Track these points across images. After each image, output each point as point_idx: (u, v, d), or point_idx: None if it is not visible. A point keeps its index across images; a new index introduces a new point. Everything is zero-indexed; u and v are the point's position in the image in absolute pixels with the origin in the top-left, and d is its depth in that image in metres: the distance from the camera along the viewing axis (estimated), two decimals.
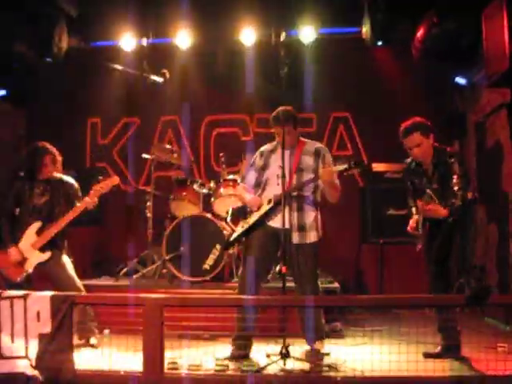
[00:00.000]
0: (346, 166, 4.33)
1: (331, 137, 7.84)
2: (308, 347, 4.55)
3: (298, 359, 4.18)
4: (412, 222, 4.58)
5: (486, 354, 4.04)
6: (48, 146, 5.01)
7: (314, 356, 4.40)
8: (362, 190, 7.44)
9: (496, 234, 6.21)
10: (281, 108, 4.64)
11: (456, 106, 7.40)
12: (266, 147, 4.86)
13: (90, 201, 4.83)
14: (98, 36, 7.63)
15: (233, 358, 4.45)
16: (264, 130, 7.21)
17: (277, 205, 4.46)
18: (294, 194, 4.55)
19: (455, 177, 4.15)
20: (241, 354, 4.52)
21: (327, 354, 4.49)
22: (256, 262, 4.60)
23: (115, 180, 5.00)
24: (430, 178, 4.54)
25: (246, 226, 4.65)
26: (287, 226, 4.37)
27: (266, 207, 4.57)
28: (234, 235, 4.80)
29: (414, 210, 4.62)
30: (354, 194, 7.30)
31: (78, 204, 4.88)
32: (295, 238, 4.52)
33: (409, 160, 4.75)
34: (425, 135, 4.51)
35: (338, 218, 7.16)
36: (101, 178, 4.95)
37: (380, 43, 6.72)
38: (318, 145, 4.82)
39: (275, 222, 4.55)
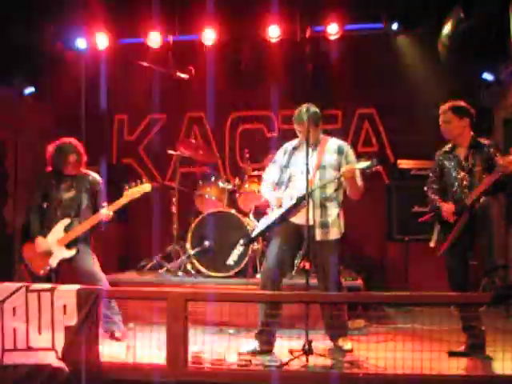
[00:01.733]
0: (368, 163, 4.33)
1: (356, 133, 7.81)
2: (331, 344, 4.56)
3: (320, 355, 4.18)
4: (448, 208, 4.50)
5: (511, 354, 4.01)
6: (75, 144, 5.07)
7: (337, 353, 4.42)
8: (388, 186, 7.38)
9: None
10: (303, 106, 4.65)
11: (483, 101, 7.29)
12: (288, 145, 4.86)
13: (120, 204, 4.91)
14: (126, 33, 7.69)
15: (256, 352, 4.49)
16: (289, 127, 7.15)
17: (299, 202, 4.45)
18: (317, 191, 4.55)
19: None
20: (264, 349, 4.55)
21: (350, 351, 4.49)
22: (278, 258, 4.63)
23: (147, 187, 5.03)
24: (462, 164, 4.53)
25: (268, 221, 4.65)
26: (311, 222, 4.37)
27: (288, 203, 4.57)
28: (256, 231, 4.80)
29: (446, 196, 4.58)
30: (380, 191, 7.26)
31: (102, 201, 4.98)
32: (318, 234, 4.54)
33: (440, 150, 4.75)
34: (457, 116, 4.56)
35: (364, 216, 7.14)
36: (133, 183, 4.99)
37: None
38: (341, 142, 4.81)
39: (298, 219, 4.55)
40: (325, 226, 4.58)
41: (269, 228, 4.67)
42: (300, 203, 4.44)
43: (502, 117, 7.00)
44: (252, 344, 4.60)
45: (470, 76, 7.18)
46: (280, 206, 4.63)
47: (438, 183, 4.71)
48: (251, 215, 6.37)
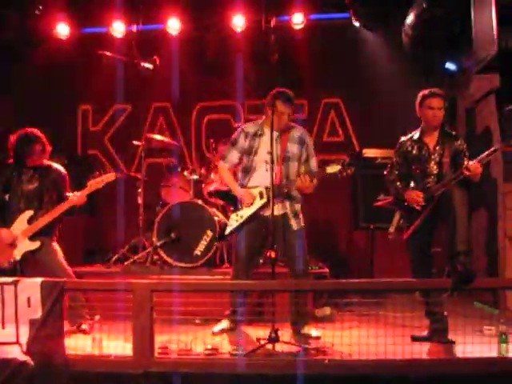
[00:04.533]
0: (339, 167, 4.49)
1: (322, 123, 7.86)
2: (297, 332, 4.62)
3: (286, 343, 4.23)
4: (417, 195, 4.52)
5: (473, 338, 4.10)
6: (38, 134, 4.99)
7: (303, 340, 4.47)
8: (353, 176, 7.42)
9: (485, 218, 6.27)
10: (286, 89, 4.69)
11: (446, 91, 7.39)
12: (249, 128, 4.88)
13: (83, 195, 4.87)
14: (88, 22, 7.59)
15: (228, 329, 4.79)
16: (255, 117, 7.20)
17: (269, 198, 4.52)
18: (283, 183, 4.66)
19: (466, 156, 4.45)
20: (234, 327, 4.85)
21: (318, 338, 4.58)
22: (249, 249, 4.78)
23: (111, 176, 4.99)
24: (431, 153, 4.59)
25: (241, 220, 4.75)
26: (276, 213, 4.50)
27: (259, 202, 4.68)
28: (229, 229, 4.85)
29: (412, 184, 4.65)
30: (346, 180, 7.29)
31: (66, 192, 4.92)
32: (295, 224, 4.70)
33: (405, 137, 4.79)
34: (444, 101, 4.64)
35: (330, 204, 7.22)
36: (97, 172, 4.94)
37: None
38: (302, 131, 4.89)
39: (267, 211, 4.60)
40: (297, 215, 4.74)
41: (242, 225, 4.76)
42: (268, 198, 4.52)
43: (464, 106, 7.11)
44: (223, 323, 4.84)
45: (434, 66, 7.28)
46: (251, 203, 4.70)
47: (400, 169, 4.75)
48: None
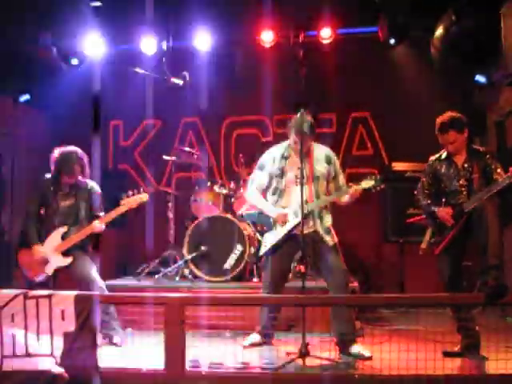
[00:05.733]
0: (372, 183, 4.55)
1: (351, 137, 7.87)
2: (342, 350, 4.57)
3: (317, 357, 4.22)
4: (447, 213, 4.53)
5: (506, 354, 4.05)
6: (80, 153, 5.06)
7: (352, 361, 4.41)
8: (383, 189, 7.41)
9: None
10: (299, 114, 4.67)
11: (476, 104, 7.35)
12: (275, 151, 4.90)
13: (117, 214, 4.94)
14: (120, 40, 7.73)
15: (258, 344, 4.80)
16: (283, 131, 7.23)
17: (304, 218, 4.52)
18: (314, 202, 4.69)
19: (498, 170, 4.42)
20: (265, 341, 4.84)
21: (369, 359, 4.40)
22: (279, 269, 4.81)
23: (144, 197, 5.03)
24: (461, 171, 4.58)
25: (276, 239, 4.76)
26: (308, 230, 4.58)
27: (293, 221, 4.68)
28: (264, 249, 4.86)
29: (444, 199, 4.62)
30: (375, 193, 7.28)
31: (100, 211, 5.02)
32: (329, 240, 4.70)
33: (433, 157, 4.78)
34: (460, 132, 4.57)
35: (359, 218, 7.19)
36: (131, 192, 4.98)
37: (393, 42, 6.74)
38: (327, 150, 4.91)
39: (298, 229, 4.62)
40: (329, 232, 4.76)
41: (278, 244, 4.77)
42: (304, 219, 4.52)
43: (494, 119, 7.06)
44: (253, 337, 4.84)
45: (463, 78, 7.25)
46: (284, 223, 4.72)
47: (430, 188, 4.75)
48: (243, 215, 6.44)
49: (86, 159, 5.10)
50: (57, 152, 5.03)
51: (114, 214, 4.95)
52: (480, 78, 7.14)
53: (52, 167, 5.05)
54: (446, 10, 6.20)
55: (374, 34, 7.23)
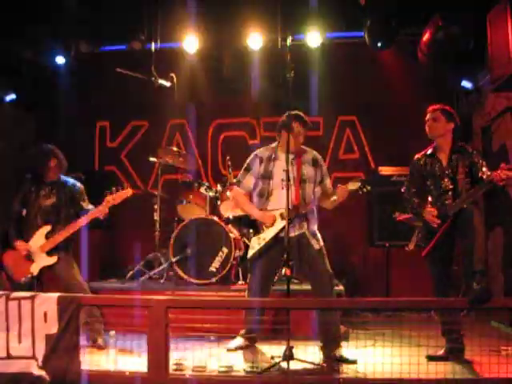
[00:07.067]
0: (359, 184, 4.60)
1: (338, 140, 7.88)
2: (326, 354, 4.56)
3: (301, 361, 4.21)
4: (432, 215, 4.53)
5: (490, 358, 4.05)
6: (54, 149, 5.06)
7: (336, 364, 4.38)
8: (369, 192, 7.42)
9: (501, 237, 6.22)
10: (300, 114, 4.78)
11: (462, 109, 7.39)
12: (262, 152, 4.91)
13: (101, 211, 4.89)
14: (107, 40, 7.69)
15: (242, 347, 4.81)
16: (271, 134, 7.23)
17: (291, 222, 4.52)
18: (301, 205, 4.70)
19: (484, 168, 4.43)
20: (248, 344, 4.87)
21: (353, 363, 4.37)
22: (265, 271, 4.80)
23: (128, 192, 4.99)
24: (445, 170, 4.60)
25: (263, 242, 4.75)
26: (294, 233, 4.61)
27: (280, 223, 4.67)
28: (252, 252, 4.83)
29: (430, 198, 4.65)
30: (361, 197, 7.26)
31: (83, 205, 4.96)
32: (315, 243, 4.71)
33: (419, 154, 4.81)
34: (445, 117, 4.67)
35: (345, 222, 7.20)
36: (114, 188, 4.95)
37: (379, 45, 6.78)
38: (314, 153, 4.94)
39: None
40: (315, 235, 4.77)
41: (265, 247, 4.75)
42: (291, 222, 4.52)
43: (480, 124, 7.10)
44: (238, 340, 4.85)
45: (449, 84, 7.29)
46: (272, 225, 4.71)
47: (416, 186, 4.76)
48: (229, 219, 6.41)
49: (61, 154, 5.06)
50: (31, 151, 5.03)
51: (100, 208, 4.88)
52: (466, 84, 7.18)
53: (28, 167, 5.04)
54: (434, 14, 6.22)
55: (361, 38, 7.24)
